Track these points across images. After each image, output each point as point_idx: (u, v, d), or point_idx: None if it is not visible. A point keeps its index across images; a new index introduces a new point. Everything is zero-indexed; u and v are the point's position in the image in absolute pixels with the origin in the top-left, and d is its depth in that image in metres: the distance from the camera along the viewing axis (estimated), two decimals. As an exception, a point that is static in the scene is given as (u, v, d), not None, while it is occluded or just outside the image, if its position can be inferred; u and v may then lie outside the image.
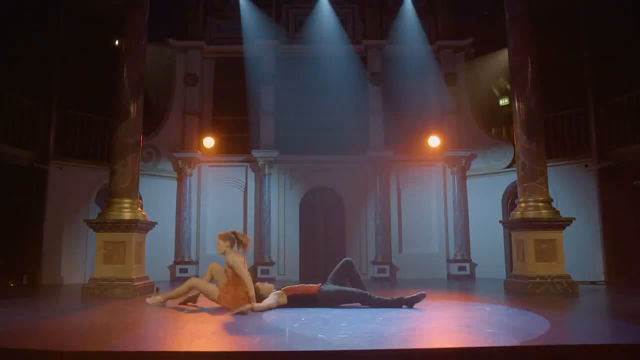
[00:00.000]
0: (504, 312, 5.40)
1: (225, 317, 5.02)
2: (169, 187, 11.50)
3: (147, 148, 10.86)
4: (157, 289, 7.97)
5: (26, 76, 9.65)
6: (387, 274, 11.19)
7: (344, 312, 5.27)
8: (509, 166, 10.83)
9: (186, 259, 11.19)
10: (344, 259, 6.20)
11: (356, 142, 11.68)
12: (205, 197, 11.73)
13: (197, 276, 10.16)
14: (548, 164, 8.00)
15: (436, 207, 11.80)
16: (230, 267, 5.66)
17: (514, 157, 8.52)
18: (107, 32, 10.67)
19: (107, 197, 7.78)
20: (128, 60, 7.88)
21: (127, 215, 7.49)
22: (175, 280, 10.53)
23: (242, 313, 5.11)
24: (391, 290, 7.68)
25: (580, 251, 9.18)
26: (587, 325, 4.78)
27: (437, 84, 11.94)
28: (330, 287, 5.78)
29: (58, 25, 10.32)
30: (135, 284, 7.29)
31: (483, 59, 12.20)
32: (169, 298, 6.03)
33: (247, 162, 11.81)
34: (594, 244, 9.72)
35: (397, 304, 5.68)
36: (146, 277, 7.83)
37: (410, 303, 5.67)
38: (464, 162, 11.66)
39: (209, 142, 11.59)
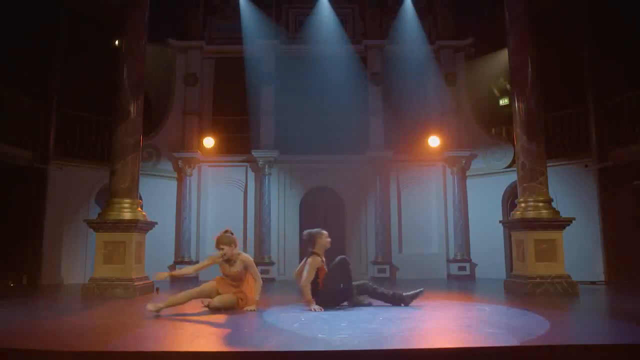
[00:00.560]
0: (504, 312, 5.39)
1: (225, 317, 5.02)
2: (169, 187, 11.51)
3: (147, 148, 10.86)
4: (157, 289, 7.98)
5: (26, 76, 9.65)
6: (387, 274, 11.20)
7: (344, 312, 5.27)
8: (509, 166, 10.83)
9: (186, 259, 11.18)
10: (340, 257, 5.88)
11: (356, 142, 11.69)
12: (205, 197, 11.74)
13: (196, 277, 10.16)
14: (548, 164, 8.00)
15: (436, 207, 11.80)
16: (249, 266, 5.59)
17: (514, 157, 8.52)
18: (107, 32, 10.67)
19: (107, 197, 7.78)
20: (128, 60, 7.88)
21: (127, 215, 7.49)
22: (175, 281, 10.52)
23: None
24: (391, 290, 7.67)
25: (580, 251, 9.18)
26: (587, 325, 4.77)
27: (437, 84, 11.95)
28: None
29: (58, 25, 10.32)
30: (135, 284, 7.29)
31: (483, 59, 12.20)
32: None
33: (247, 162, 11.81)
34: (594, 244, 9.73)
35: (396, 300, 5.76)
36: (146, 277, 7.83)
37: (409, 300, 5.75)
38: (464, 162, 11.67)
39: (209, 142, 11.59)
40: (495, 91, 12.58)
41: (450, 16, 12.27)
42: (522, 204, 7.70)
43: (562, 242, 7.45)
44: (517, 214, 7.72)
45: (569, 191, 10.01)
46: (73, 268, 10.00)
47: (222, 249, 5.49)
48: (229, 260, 5.56)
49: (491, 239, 10.93)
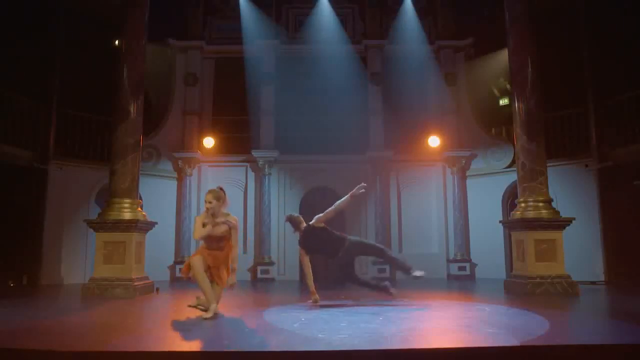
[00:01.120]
0: (504, 312, 5.39)
1: (225, 317, 5.02)
2: (169, 187, 11.50)
3: (147, 148, 10.85)
4: (157, 289, 7.98)
5: (26, 76, 9.64)
6: (387, 274, 11.17)
7: (344, 312, 5.27)
8: (509, 166, 10.82)
9: (186, 259, 11.14)
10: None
11: (356, 142, 11.68)
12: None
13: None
14: (548, 164, 8.00)
15: (436, 207, 11.80)
16: (233, 229, 5.15)
17: (514, 157, 8.52)
18: (107, 32, 10.66)
19: (107, 197, 7.79)
20: (128, 60, 7.88)
21: (127, 215, 7.49)
22: (175, 281, 10.53)
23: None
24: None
25: (580, 251, 9.18)
26: (587, 325, 4.78)
27: (437, 84, 11.94)
28: (355, 237, 6.73)
29: (58, 25, 10.31)
30: (135, 284, 7.29)
31: (483, 59, 12.18)
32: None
33: (247, 162, 11.81)
34: (594, 244, 9.72)
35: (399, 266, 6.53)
36: (146, 277, 7.84)
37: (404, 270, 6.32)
38: (464, 162, 11.66)
39: (209, 142, 11.59)
40: (495, 91, 12.57)
41: (450, 16, 12.27)
42: (522, 204, 7.71)
43: (562, 242, 7.45)
44: (517, 214, 7.72)
45: (569, 191, 10.01)
46: (73, 268, 10.00)
47: (210, 202, 5.04)
48: (214, 216, 5.10)
49: (491, 239, 10.92)
